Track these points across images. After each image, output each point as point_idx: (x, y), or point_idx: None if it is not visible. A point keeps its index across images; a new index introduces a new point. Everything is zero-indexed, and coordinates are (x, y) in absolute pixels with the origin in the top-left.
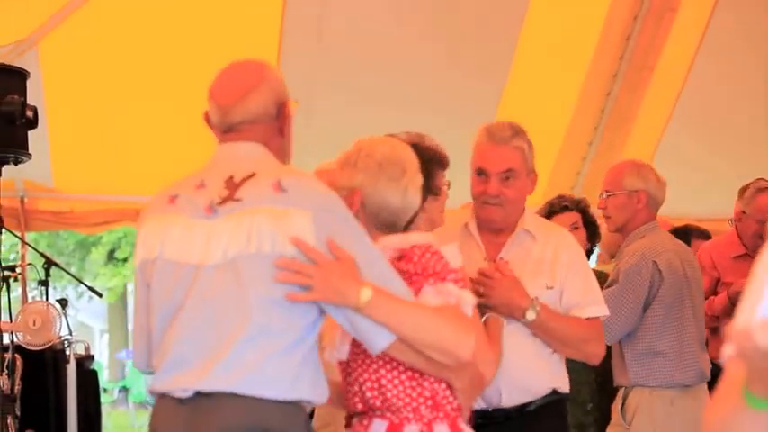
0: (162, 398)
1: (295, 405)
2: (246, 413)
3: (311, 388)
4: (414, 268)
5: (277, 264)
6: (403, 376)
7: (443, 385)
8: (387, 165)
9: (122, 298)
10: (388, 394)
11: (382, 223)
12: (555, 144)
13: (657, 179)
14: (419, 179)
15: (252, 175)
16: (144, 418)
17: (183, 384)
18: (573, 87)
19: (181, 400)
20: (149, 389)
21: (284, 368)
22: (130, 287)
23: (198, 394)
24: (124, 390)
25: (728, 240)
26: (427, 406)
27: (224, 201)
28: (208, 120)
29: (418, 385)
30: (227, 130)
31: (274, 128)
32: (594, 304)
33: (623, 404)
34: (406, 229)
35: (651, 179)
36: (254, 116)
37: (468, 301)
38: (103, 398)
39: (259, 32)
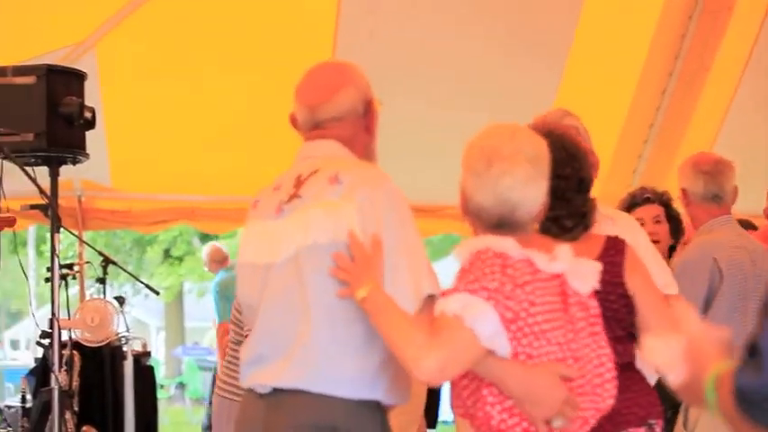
0: (248, 392)
1: (367, 404)
2: (315, 411)
3: (388, 389)
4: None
5: (332, 256)
6: (464, 393)
7: (498, 407)
8: (469, 159)
9: (179, 296)
10: (457, 411)
11: (487, 224)
12: (611, 143)
13: (693, 172)
14: (524, 170)
15: (315, 172)
16: (200, 414)
17: (261, 381)
18: (628, 85)
19: (260, 396)
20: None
21: (358, 367)
22: (187, 285)
23: (275, 390)
24: (181, 386)
25: (764, 237)
26: (487, 426)
27: (290, 199)
28: (294, 121)
29: (473, 404)
30: (314, 128)
31: (361, 125)
32: (672, 283)
33: (686, 415)
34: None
35: (685, 174)
36: (343, 113)
37: (475, 316)
38: (160, 394)
39: (314, 29)
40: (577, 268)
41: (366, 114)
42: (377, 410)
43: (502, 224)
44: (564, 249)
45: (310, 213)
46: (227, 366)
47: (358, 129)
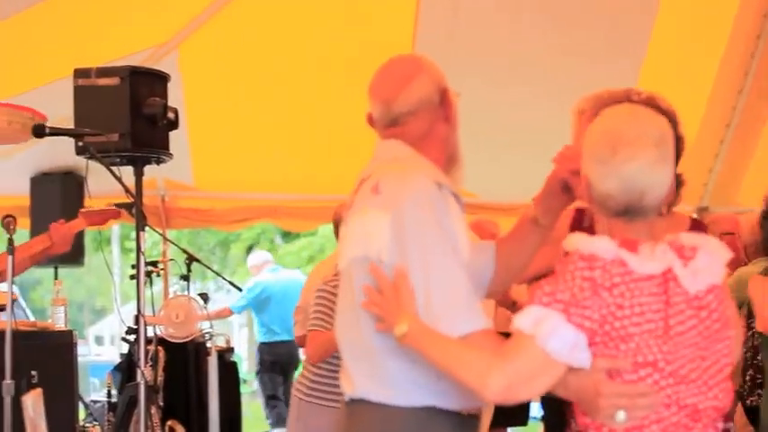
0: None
1: (426, 411)
2: (376, 421)
3: (447, 394)
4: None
5: (363, 289)
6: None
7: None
8: (595, 145)
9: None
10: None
11: (614, 212)
12: (687, 141)
13: None
14: (651, 153)
15: (368, 178)
16: None
17: (342, 389)
18: (704, 85)
19: (345, 403)
20: None
21: (410, 374)
22: None
23: (351, 399)
24: None
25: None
26: None
27: (349, 206)
28: (371, 121)
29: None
30: (391, 124)
31: (439, 116)
32: None
33: None
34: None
35: None
36: (418, 104)
37: (547, 334)
38: (242, 389)
39: (394, 29)
40: (692, 265)
41: (443, 104)
42: (439, 417)
43: (629, 211)
44: (662, 249)
45: (353, 224)
46: (303, 366)
47: (435, 120)
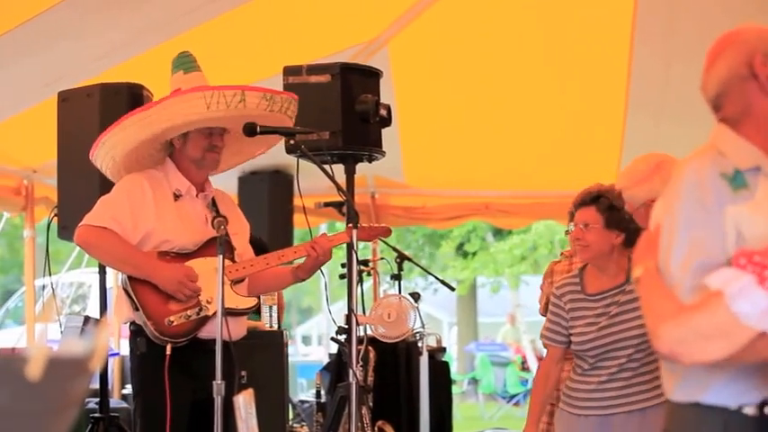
0: None
1: (697, 408)
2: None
3: (719, 392)
4: None
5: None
6: None
7: None
8: None
9: (472, 291)
10: None
11: None
12: None
13: None
14: None
15: None
16: (493, 409)
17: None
18: None
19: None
20: None
21: (679, 368)
22: (480, 280)
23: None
24: (473, 382)
25: None
26: None
27: None
28: None
29: None
30: (714, 110)
31: (753, 89)
32: None
33: None
34: None
35: None
36: (724, 83)
37: (735, 293)
38: (453, 389)
39: (611, 30)
40: None
41: (756, 76)
42: (710, 414)
43: None
44: None
45: None
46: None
47: (750, 95)
